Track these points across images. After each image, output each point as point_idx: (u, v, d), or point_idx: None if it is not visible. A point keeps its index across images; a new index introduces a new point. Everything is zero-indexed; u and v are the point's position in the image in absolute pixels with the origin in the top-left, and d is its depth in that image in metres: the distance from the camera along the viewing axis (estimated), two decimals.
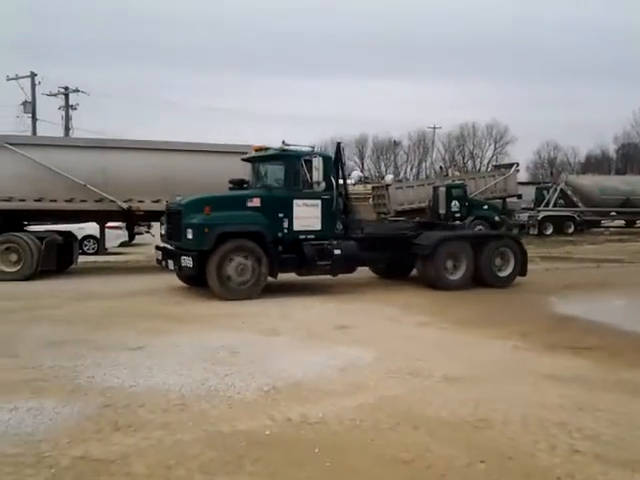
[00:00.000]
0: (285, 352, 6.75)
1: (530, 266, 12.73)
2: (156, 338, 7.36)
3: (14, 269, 12.93)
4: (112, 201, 13.87)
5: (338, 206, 11.62)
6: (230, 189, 11.74)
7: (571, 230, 29.79)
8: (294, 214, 11.05)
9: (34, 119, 37.87)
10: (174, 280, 11.74)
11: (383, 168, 74.35)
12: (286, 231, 11.03)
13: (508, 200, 29.71)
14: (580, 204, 30.61)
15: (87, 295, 10.64)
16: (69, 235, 14.93)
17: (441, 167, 51.22)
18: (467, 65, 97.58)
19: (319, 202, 11.26)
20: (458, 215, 25.12)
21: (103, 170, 13.81)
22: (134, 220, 15.96)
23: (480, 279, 12.09)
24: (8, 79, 37.73)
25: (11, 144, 13.45)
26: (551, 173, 53.75)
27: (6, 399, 4.99)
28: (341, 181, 12.37)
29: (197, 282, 11.09)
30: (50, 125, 40.35)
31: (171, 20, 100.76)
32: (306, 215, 11.14)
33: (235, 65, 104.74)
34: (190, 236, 10.44)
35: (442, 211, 25.02)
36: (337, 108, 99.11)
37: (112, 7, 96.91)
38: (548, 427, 4.50)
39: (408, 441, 4.24)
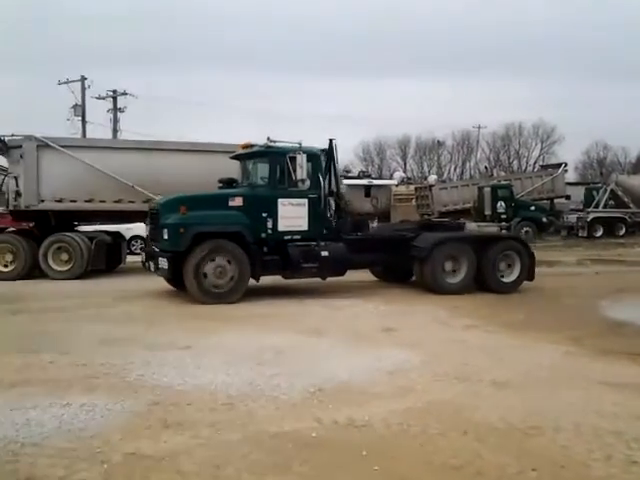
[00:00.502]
0: (330, 353, 6.73)
1: (580, 269, 12.44)
2: (203, 338, 7.44)
3: (65, 268, 13.33)
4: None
5: (327, 206, 11.15)
6: (219, 188, 11.40)
7: (622, 232, 28.85)
8: (279, 214, 10.61)
9: (84, 122, 38.99)
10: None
11: (426, 168, 73.53)
12: (270, 231, 10.59)
13: (556, 201, 29.08)
14: (631, 205, 29.63)
15: (135, 294, 10.87)
16: (118, 235, 15.31)
17: (486, 167, 50.43)
18: (513, 64, 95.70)
19: (306, 201, 10.78)
20: (504, 216, 24.70)
21: (150, 171, 14.10)
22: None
23: (483, 283, 11.60)
24: (59, 83, 39.00)
25: (63, 146, 13.86)
26: (601, 173, 52.34)
27: (60, 395, 5.13)
28: (334, 180, 11.67)
29: (177, 285, 10.78)
30: (99, 127, 41.41)
31: (218, 22, 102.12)
32: (292, 215, 10.71)
33: (278, 66, 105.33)
34: (166, 236, 10.13)
35: (488, 212, 24.67)
36: (379, 109, 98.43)
37: (159, 11, 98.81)
38: (603, 436, 4.35)
39: (457, 447, 4.16)
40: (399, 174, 38.01)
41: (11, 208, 14.00)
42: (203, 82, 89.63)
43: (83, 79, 39.12)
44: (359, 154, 73.30)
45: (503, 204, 25.05)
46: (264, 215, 10.53)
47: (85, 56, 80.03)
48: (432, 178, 32.81)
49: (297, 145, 10.85)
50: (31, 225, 13.85)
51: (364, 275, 12.86)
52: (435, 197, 27.52)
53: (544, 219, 26.26)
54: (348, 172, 35.20)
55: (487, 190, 25.82)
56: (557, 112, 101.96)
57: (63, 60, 79.34)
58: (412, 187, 31.44)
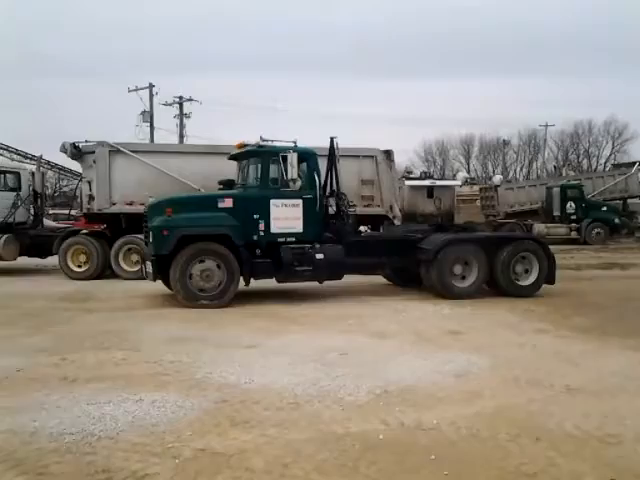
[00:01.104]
0: (395, 356, 6.66)
1: None
2: (268, 337, 7.52)
3: (135, 269, 13.76)
4: None
5: (323, 206, 10.75)
6: (219, 189, 11.18)
7: None
8: (271, 215, 10.24)
9: (152, 127, 40.30)
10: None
11: (490, 168, 71.88)
12: (263, 233, 10.23)
13: (629, 201, 27.83)
14: None
15: None
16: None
17: (555, 167, 48.82)
18: (580, 60, 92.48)
19: (300, 202, 10.37)
20: (574, 217, 23.87)
21: (217, 175, 14.36)
22: None
23: (497, 287, 11.10)
24: (129, 91, 40.49)
25: (133, 151, 14.35)
26: None
27: (132, 391, 5.29)
28: (335, 180, 11.35)
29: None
30: (166, 133, 42.79)
31: (279, 28, 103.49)
32: (285, 216, 10.31)
33: (338, 69, 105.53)
34: (151, 239, 10.00)
35: (557, 213, 23.94)
36: (440, 108, 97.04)
37: (221, 21, 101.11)
38: None
39: (530, 453, 4.03)
40: (462, 174, 37.28)
41: (84, 211, 14.62)
42: (265, 86, 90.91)
43: (151, 86, 40.46)
44: (420, 154, 72.46)
45: (573, 205, 24.24)
46: (256, 217, 10.20)
47: (153, 64, 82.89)
48: (497, 178, 32.02)
49: (292, 144, 10.62)
50: (103, 227, 14.42)
51: None
52: (501, 198, 26.91)
53: (616, 220, 25.20)
54: (409, 173, 34.80)
55: (556, 190, 25.06)
56: (630, 109, 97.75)
57: (132, 68, 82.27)
58: (476, 188, 30.82)
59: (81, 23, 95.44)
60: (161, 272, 9.97)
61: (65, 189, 42.21)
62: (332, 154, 11.15)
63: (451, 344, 7.26)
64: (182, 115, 42.38)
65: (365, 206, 12.78)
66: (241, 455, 3.97)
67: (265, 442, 4.19)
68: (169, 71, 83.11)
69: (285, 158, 9.96)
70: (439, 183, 28.84)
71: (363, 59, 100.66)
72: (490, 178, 43.75)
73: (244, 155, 10.94)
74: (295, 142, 10.70)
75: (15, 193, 15.92)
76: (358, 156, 12.78)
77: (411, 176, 30.89)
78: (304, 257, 10.25)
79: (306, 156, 10.61)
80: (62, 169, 39.80)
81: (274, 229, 10.27)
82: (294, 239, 10.40)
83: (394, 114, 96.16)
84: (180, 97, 42.43)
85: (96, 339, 7.41)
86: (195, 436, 4.30)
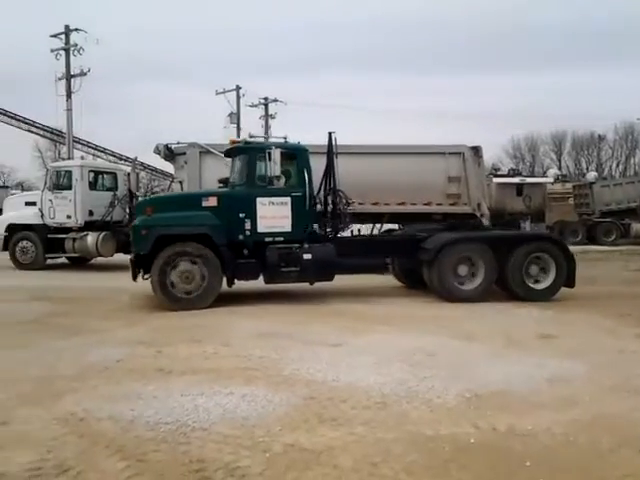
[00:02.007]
0: (484, 358, 6.48)
1: None
2: (354, 336, 7.52)
3: None
4: None
5: (313, 205, 10.31)
6: (219, 188, 10.91)
7: None
8: (258, 214, 9.85)
9: (238, 128, 41.37)
10: (370, 279, 11.90)
11: (584, 165, 68.61)
12: (249, 233, 9.86)
13: None
14: None
15: (292, 292, 11.20)
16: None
17: None
18: None
19: (288, 200, 9.95)
20: None
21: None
22: None
23: (508, 290, 10.38)
24: (217, 93, 41.83)
25: (222, 152, 14.72)
26: None
27: (223, 384, 5.44)
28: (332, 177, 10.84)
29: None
30: (252, 133, 43.64)
31: (362, 27, 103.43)
32: (273, 215, 9.91)
33: (425, 66, 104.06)
34: (132, 239, 9.85)
35: None
36: (529, 103, 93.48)
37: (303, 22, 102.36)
38: None
39: (632, 464, 3.81)
40: (553, 171, 35.81)
41: None
42: (348, 87, 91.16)
43: (238, 88, 41.63)
44: (509, 151, 70.19)
45: None
46: (241, 215, 9.85)
47: (240, 66, 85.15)
48: (591, 175, 30.55)
49: (282, 140, 10.27)
50: None
51: None
52: (596, 196, 25.64)
53: None
54: (497, 170, 33.82)
55: None
56: None
57: (221, 71, 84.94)
58: (569, 185, 29.51)
59: (170, 27, 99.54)
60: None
61: (157, 189, 44.07)
62: (330, 150, 10.71)
63: (543, 348, 6.98)
64: (267, 116, 43.35)
65: (451, 204, 12.47)
66: (329, 452, 3.99)
67: (353, 440, 4.19)
68: (255, 73, 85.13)
69: (269, 155, 9.60)
70: (529, 180, 27.81)
71: (445, 53, 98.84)
72: (584, 175, 41.77)
73: (233, 152, 10.71)
74: (285, 138, 10.40)
75: (112, 193, 16.82)
76: (444, 153, 12.48)
77: (498, 173, 30.00)
78: (291, 257, 9.91)
79: (296, 153, 10.28)
80: (154, 170, 41.65)
81: (261, 228, 9.92)
82: (282, 239, 10.04)
83: (479, 110, 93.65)
84: (265, 98, 43.41)
85: (188, 333, 7.68)
86: (284, 431, 4.36)
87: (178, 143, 15.04)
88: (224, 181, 11.12)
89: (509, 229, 14.73)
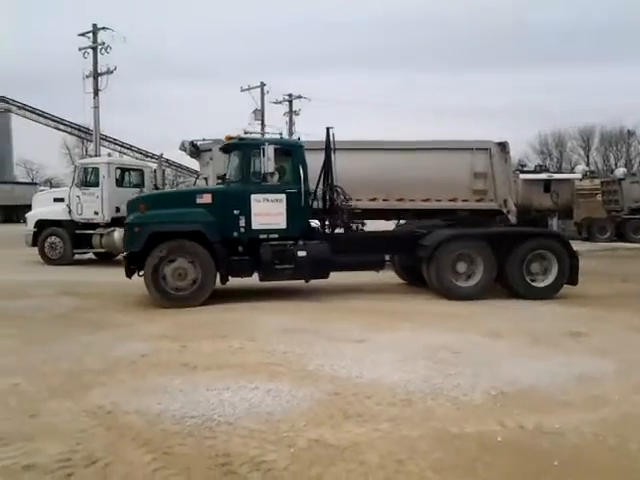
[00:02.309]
0: (510, 356, 6.40)
1: None
2: (377, 333, 7.48)
3: None
4: None
5: (309, 201, 10.20)
6: (217, 184, 10.71)
7: None
8: (252, 211, 9.76)
9: (263, 125, 41.49)
10: (390, 276, 11.83)
11: (612, 161, 67.34)
12: (243, 230, 9.78)
13: None
14: None
15: (313, 288, 11.19)
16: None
17: None
18: None
19: (283, 197, 9.85)
20: None
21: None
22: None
23: (508, 287, 10.15)
24: (242, 90, 42.02)
25: None
26: None
27: (248, 379, 5.47)
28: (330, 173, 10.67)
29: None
30: (276, 130, 43.79)
31: (379, 26, 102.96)
32: (267, 212, 9.82)
33: (444, 62, 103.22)
34: (125, 237, 9.84)
35: None
36: (556, 98, 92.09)
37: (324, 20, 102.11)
38: None
39: None
40: (581, 167, 35.21)
41: None
42: (373, 83, 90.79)
43: (262, 85, 41.75)
44: (535, 147, 69.24)
45: None
46: (236, 212, 9.77)
47: (264, 63, 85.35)
48: (620, 171, 29.90)
49: (278, 136, 10.11)
50: None
51: None
52: (625, 192, 25.16)
53: None
54: (523, 166, 33.37)
55: None
56: None
57: (245, 69, 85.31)
58: (597, 181, 29.00)
59: (196, 27, 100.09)
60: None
61: (182, 186, 44.49)
62: (327, 146, 10.56)
63: (571, 346, 6.87)
64: (291, 112, 43.42)
65: (477, 200, 12.32)
66: (355, 448, 3.98)
67: (378, 437, 4.18)
68: (279, 70, 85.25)
69: (263, 151, 9.49)
70: (557, 176, 27.35)
71: (473, 50, 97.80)
72: (612, 171, 40.99)
73: (229, 148, 10.62)
74: (281, 134, 10.27)
75: (139, 189, 16.99)
76: (471, 149, 12.33)
77: (525, 169, 29.60)
78: (285, 254, 9.81)
79: (290, 149, 10.19)
80: (180, 167, 42.03)
81: (255, 225, 9.84)
82: (277, 236, 9.97)
83: (505, 105, 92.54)
84: (290, 95, 43.45)
85: (212, 328, 7.73)
86: (309, 426, 4.36)
87: (203, 140, 15.15)
88: (222, 177, 11.06)
89: (535, 226, 14.51)
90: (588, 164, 59.13)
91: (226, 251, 9.73)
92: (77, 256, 17.05)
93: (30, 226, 17.11)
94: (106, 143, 42.00)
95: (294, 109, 44.74)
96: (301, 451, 3.96)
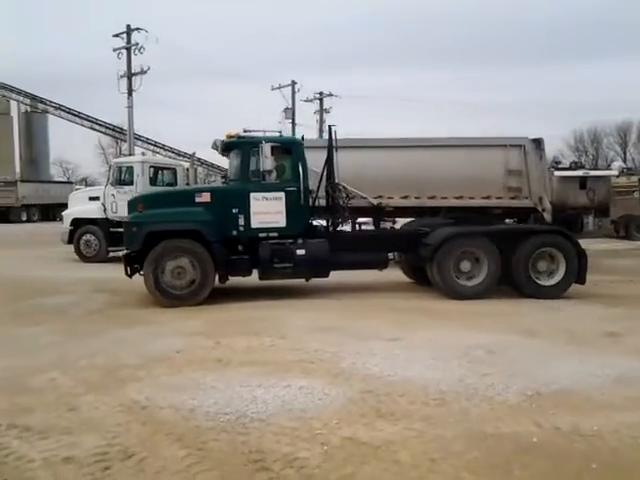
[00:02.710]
0: (547, 356, 6.29)
1: None
2: (409, 331, 7.43)
3: None
4: (363, 197, 14.39)
5: (309, 199, 10.06)
6: (222, 183, 10.60)
7: None
8: (252, 209, 9.71)
9: (293, 124, 41.65)
10: (395, 275, 11.78)
11: None
12: (242, 229, 9.72)
13: None
14: None
15: (344, 286, 11.17)
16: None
17: None
18: None
19: (282, 195, 9.77)
20: None
21: (356, 168, 14.37)
22: (382, 216, 16.43)
23: (514, 286, 9.86)
24: (272, 89, 42.20)
25: None
26: None
27: (281, 376, 5.49)
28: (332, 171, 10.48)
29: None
30: (307, 128, 43.94)
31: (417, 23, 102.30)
32: (267, 210, 9.75)
33: (480, 58, 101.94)
34: (124, 236, 9.85)
35: None
36: (592, 93, 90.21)
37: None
38: None
39: None
40: (618, 164, 34.49)
41: None
42: (403, 80, 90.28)
43: (293, 83, 41.88)
44: (570, 143, 67.92)
45: None
46: (235, 211, 9.71)
47: (295, 62, 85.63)
48: None
49: (277, 134, 10.02)
50: None
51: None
52: None
53: None
54: (558, 163, 32.76)
55: None
56: None
57: (275, 68, 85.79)
58: (634, 178, 28.29)
59: (225, 25, 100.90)
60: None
61: (213, 184, 44.89)
62: (330, 144, 10.39)
63: (609, 346, 6.73)
64: (322, 110, 43.43)
65: (511, 198, 12.09)
66: (388, 447, 3.96)
67: (412, 436, 4.15)
68: (310, 68, 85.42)
69: (260, 149, 9.45)
70: (593, 173, 26.76)
71: (505, 44, 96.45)
72: None
73: (228, 147, 10.53)
74: (280, 132, 10.16)
75: (172, 188, 17.19)
76: (505, 145, 12.10)
77: (559, 166, 29.08)
78: (284, 253, 9.71)
79: (290, 146, 10.12)
80: (211, 165, 42.41)
81: (255, 224, 9.78)
82: (277, 234, 9.88)
83: (539, 101, 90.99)
84: (320, 93, 43.46)
85: (244, 325, 7.78)
86: (342, 424, 4.36)
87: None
88: (225, 176, 10.92)
89: (568, 225, 14.17)
90: (625, 161, 57.83)
91: (225, 250, 9.69)
92: (112, 254, 17.32)
93: (66, 224, 17.46)
94: (139, 142, 42.64)
95: (325, 107, 44.81)
96: (334, 449, 3.95)
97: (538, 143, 12.27)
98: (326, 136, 14.74)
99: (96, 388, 5.28)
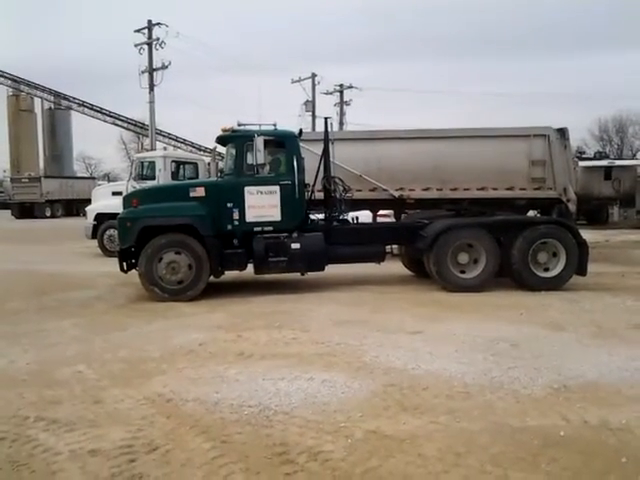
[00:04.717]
0: (573, 349, 6.19)
1: None
2: (432, 324, 7.38)
3: None
4: (385, 190, 14.29)
5: (304, 192, 9.91)
6: (218, 178, 10.50)
7: None
8: (246, 203, 9.62)
9: (313, 117, 41.54)
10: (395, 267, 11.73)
11: None
12: (237, 223, 9.65)
13: None
14: None
15: (363, 280, 11.12)
16: (346, 222, 15.94)
17: None
18: None
19: (277, 188, 9.67)
20: None
21: (377, 160, 14.27)
22: (403, 208, 16.32)
23: (514, 278, 9.68)
24: (292, 82, 42.18)
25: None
26: None
27: (304, 369, 5.49)
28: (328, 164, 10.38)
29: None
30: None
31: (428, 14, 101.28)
32: (261, 204, 9.65)
33: (507, 49, 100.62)
34: (118, 231, 9.81)
35: None
36: (618, 82, 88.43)
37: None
38: None
39: None
40: None
41: None
42: (430, 72, 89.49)
43: (313, 76, 41.74)
44: (594, 133, 66.74)
45: None
46: (229, 205, 9.65)
47: (316, 55, 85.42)
48: None
49: (272, 127, 9.90)
50: None
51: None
52: None
53: None
54: (582, 153, 32.29)
55: None
56: None
57: (295, 61, 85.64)
58: None
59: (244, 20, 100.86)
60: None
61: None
62: (326, 137, 10.31)
63: (636, 338, 6.59)
64: (342, 103, 43.29)
65: (535, 189, 11.92)
66: (412, 440, 3.93)
67: (437, 429, 4.12)
68: (331, 61, 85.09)
69: (253, 143, 9.36)
70: (618, 163, 26.32)
71: (530, 36, 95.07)
72: None
73: (223, 140, 10.47)
74: (275, 125, 10.05)
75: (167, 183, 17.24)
76: (528, 135, 11.92)
77: (583, 156, 28.64)
78: (279, 247, 9.67)
79: (284, 139, 10.00)
80: None
81: (249, 218, 9.71)
82: (272, 228, 9.80)
83: (564, 90, 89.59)
84: (341, 85, 43.28)
85: (266, 318, 7.79)
86: (365, 417, 4.34)
87: None
88: (221, 170, 10.95)
89: (592, 216, 13.95)
90: None
91: (219, 244, 9.67)
92: None
93: (90, 219, 17.65)
94: (161, 137, 42.94)
95: (345, 99, 44.62)
96: (358, 442, 3.94)
97: (562, 133, 12.08)
98: (346, 128, 14.58)
99: (121, 381, 5.33)
